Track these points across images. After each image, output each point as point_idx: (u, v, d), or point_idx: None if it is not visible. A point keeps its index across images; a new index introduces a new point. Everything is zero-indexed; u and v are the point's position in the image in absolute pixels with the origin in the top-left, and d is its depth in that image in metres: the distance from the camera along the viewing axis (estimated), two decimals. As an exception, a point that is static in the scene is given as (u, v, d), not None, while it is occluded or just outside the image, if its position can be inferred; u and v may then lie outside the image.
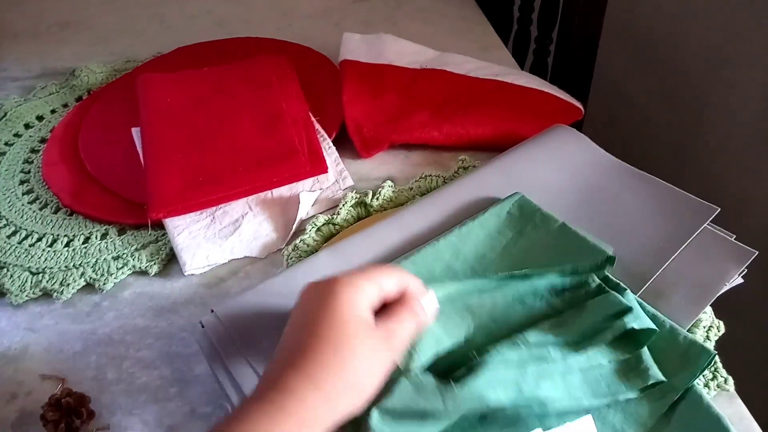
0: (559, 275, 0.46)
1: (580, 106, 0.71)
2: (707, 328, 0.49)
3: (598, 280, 0.46)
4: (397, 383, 0.38)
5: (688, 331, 0.47)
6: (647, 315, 0.44)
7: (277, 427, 0.32)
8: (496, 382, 0.40)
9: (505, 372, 0.40)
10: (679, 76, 0.94)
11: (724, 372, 0.46)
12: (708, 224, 0.51)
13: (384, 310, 0.39)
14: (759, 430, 0.44)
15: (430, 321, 0.41)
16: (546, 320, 0.44)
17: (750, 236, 0.52)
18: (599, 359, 0.42)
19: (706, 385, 0.45)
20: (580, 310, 0.44)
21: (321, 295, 0.37)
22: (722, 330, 0.49)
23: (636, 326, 0.42)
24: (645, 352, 0.43)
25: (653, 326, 0.43)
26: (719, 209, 0.51)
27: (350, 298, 0.36)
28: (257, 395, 0.34)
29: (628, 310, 0.43)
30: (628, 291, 0.45)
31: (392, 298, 0.40)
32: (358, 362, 0.34)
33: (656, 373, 0.42)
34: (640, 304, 0.45)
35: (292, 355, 0.35)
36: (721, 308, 0.49)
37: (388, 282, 0.39)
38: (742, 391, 0.46)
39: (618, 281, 0.46)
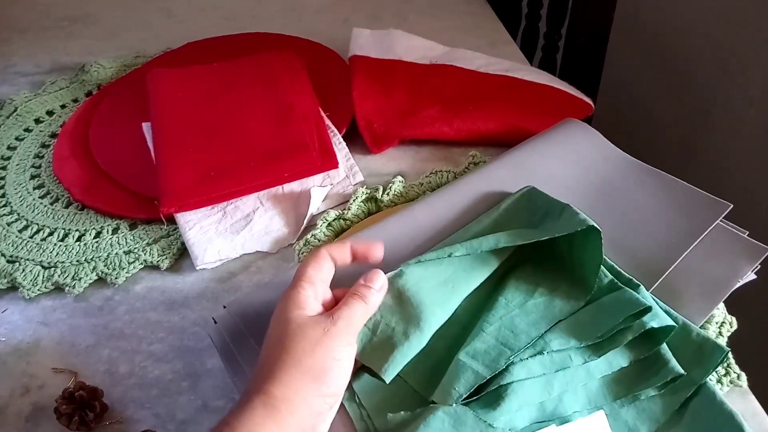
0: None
1: (591, 102, 0.70)
2: (720, 324, 0.49)
3: (610, 276, 0.46)
4: (433, 413, 0.39)
5: (700, 327, 0.47)
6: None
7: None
8: (524, 405, 0.40)
9: (531, 391, 0.41)
10: (686, 73, 0.93)
11: (737, 368, 0.46)
12: (720, 221, 0.51)
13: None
14: (772, 425, 0.44)
15: (379, 298, 0.43)
16: (564, 320, 0.44)
17: (759, 232, 0.51)
18: (620, 362, 0.43)
19: (719, 381, 0.45)
20: (597, 309, 0.44)
21: (277, 314, 0.41)
22: (735, 326, 0.49)
23: (655, 325, 0.42)
24: (664, 347, 0.43)
25: (672, 323, 0.43)
26: (732, 205, 0.51)
27: (293, 305, 0.40)
28: (243, 402, 0.37)
29: (648, 309, 0.42)
30: (642, 287, 0.45)
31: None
32: (307, 347, 0.38)
33: (676, 367, 0.42)
34: (654, 300, 0.45)
35: (267, 365, 0.39)
36: (734, 304, 0.49)
37: (321, 270, 0.43)
38: (755, 386, 0.46)
39: (630, 277, 0.46)
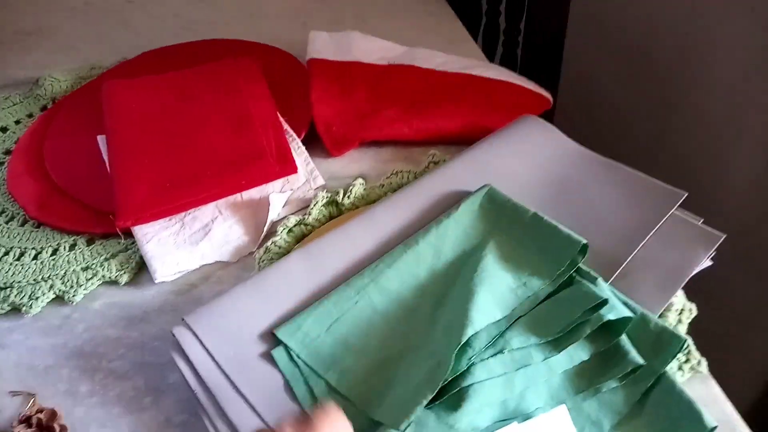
0: (540, 278, 0.46)
1: (549, 97, 0.71)
2: (679, 311, 0.49)
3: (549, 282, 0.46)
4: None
5: (660, 315, 0.47)
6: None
7: None
8: (486, 405, 0.40)
9: (492, 391, 0.41)
10: (648, 64, 0.94)
11: (697, 354, 0.47)
12: (676, 210, 0.51)
13: None
14: (732, 410, 0.44)
15: None
16: (523, 317, 0.44)
17: (723, 219, 0.52)
18: (581, 356, 0.43)
19: (680, 368, 0.46)
20: (555, 304, 0.45)
21: None
22: (695, 312, 0.49)
23: (612, 317, 0.42)
24: (623, 338, 0.43)
25: (629, 314, 0.43)
26: (686, 194, 0.51)
27: None
28: None
29: (605, 302, 0.43)
30: (600, 279, 0.45)
31: None
32: None
33: (636, 358, 0.42)
34: (612, 292, 0.45)
35: None
36: (693, 290, 0.49)
37: None
38: (714, 371, 0.46)
39: (588, 269, 0.46)
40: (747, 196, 0.82)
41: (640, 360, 0.42)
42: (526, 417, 0.41)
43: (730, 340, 0.83)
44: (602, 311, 0.42)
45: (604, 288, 0.45)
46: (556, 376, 0.42)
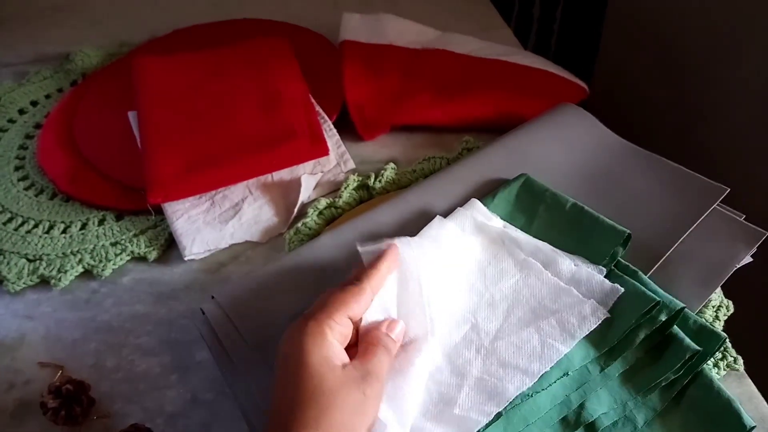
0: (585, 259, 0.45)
1: (585, 86, 0.69)
2: (716, 307, 0.48)
3: (606, 269, 0.45)
4: None
5: (697, 311, 0.46)
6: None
7: None
8: (546, 427, 0.39)
9: (549, 415, 0.40)
10: (682, 57, 0.92)
11: (733, 352, 0.46)
12: (718, 205, 0.50)
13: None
14: (769, 408, 0.44)
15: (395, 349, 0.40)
16: None
17: (755, 216, 0.51)
18: (636, 354, 0.42)
19: (716, 365, 0.45)
20: (610, 309, 0.42)
21: (293, 349, 0.36)
22: (731, 309, 0.49)
23: (664, 318, 0.41)
24: (674, 328, 0.42)
25: (680, 305, 0.42)
26: (728, 189, 0.50)
27: (317, 352, 0.35)
28: None
29: (657, 304, 0.41)
30: (640, 273, 0.44)
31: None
32: (338, 414, 0.34)
33: (691, 345, 0.41)
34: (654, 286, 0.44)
35: (282, 417, 0.34)
36: (730, 287, 0.48)
37: (357, 309, 0.39)
38: (751, 369, 0.45)
39: (627, 263, 0.45)
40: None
41: (696, 346, 0.40)
42: (592, 427, 0.40)
43: (767, 337, 0.81)
44: (654, 313, 0.41)
45: (647, 282, 0.43)
46: (614, 379, 0.41)
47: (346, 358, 0.37)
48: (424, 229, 0.46)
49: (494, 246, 0.47)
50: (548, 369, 0.40)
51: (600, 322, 0.41)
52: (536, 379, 0.39)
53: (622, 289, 0.42)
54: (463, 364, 0.41)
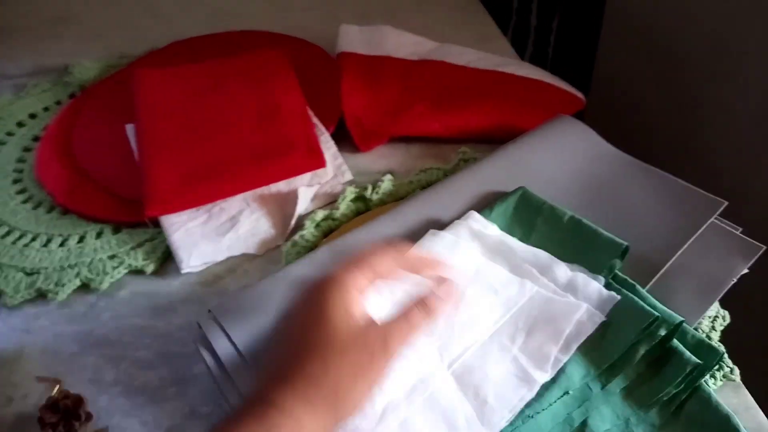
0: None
1: (582, 97, 0.70)
2: (713, 318, 0.48)
3: (604, 279, 0.45)
4: None
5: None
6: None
7: None
8: None
9: (553, 430, 0.40)
10: (679, 67, 0.92)
11: (729, 362, 0.46)
12: (715, 218, 0.50)
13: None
14: (765, 419, 0.44)
15: (452, 307, 0.39)
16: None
17: (751, 228, 0.51)
18: (637, 369, 0.42)
19: (712, 376, 0.45)
20: (608, 325, 0.42)
21: (311, 302, 0.35)
22: (728, 320, 0.48)
23: (664, 333, 0.41)
24: (674, 342, 0.42)
25: (679, 318, 0.42)
26: (726, 203, 0.50)
27: (340, 304, 0.34)
28: (248, 408, 0.33)
29: (656, 319, 0.41)
30: (638, 286, 0.44)
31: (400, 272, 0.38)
32: (348, 376, 0.33)
33: (691, 358, 0.41)
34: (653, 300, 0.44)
35: (284, 367, 0.33)
36: (726, 297, 0.48)
37: (383, 267, 0.37)
38: (747, 380, 0.45)
39: (625, 276, 0.45)
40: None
41: (696, 359, 0.40)
42: None
43: (764, 347, 0.81)
44: (653, 328, 0.41)
45: (645, 296, 0.43)
46: (615, 395, 0.41)
47: (368, 315, 0.35)
48: (418, 243, 0.46)
49: (490, 254, 0.47)
50: (548, 378, 0.40)
51: (596, 326, 0.41)
52: (537, 387, 0.39)
53: (618, 297, 0.42)
54: (462, 372, 0.40)
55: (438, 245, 0.46)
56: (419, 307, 0.36)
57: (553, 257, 0.46)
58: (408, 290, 0.40)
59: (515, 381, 0.40)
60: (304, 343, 0.33)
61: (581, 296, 0.43)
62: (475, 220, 0.49)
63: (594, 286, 0.43)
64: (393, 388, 0.38)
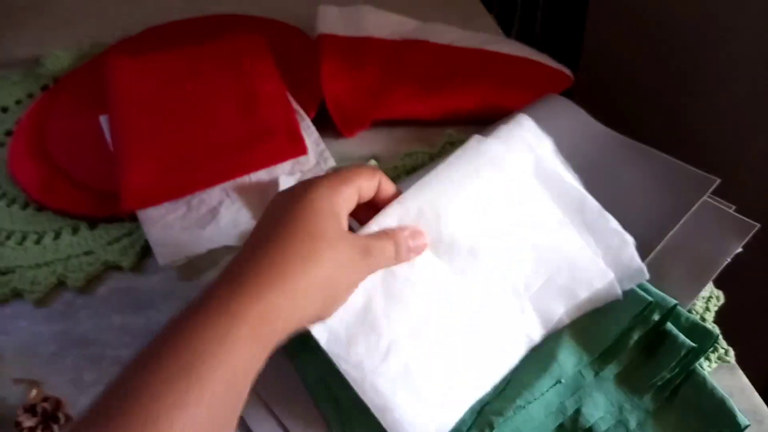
0: None
1: (570, 74, 0.68)
2: (707, 299, 0.47)
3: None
4: None
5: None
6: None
7: (236, 327, 0.31)
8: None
9: (546, 422, 0.39)
10: (668, 39, 0.91)
11: (724, 344, 0.45)
12: (708, 197, 0.49)
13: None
14: (760, 401, 0.43)
15: (408, 258, 0.39)
16: (569, 331, 0.41)
17: (745, 205, 0.50)
18: (630, 355, 0.41)
19: (707, 358, 0.44)
20: (601, 310, 0.41)
21: (295, 193, 0.36)
22: (722, 300, 0.48)
23: (657, 317, 0.40)
24: (668, 325, 0.41)
25: (672, 301, 0.41)
26: (719, 180, 0.49)
27: (327, 196, 0.35)
28: (216, 289, 0.33)
29: (650, 304, 0.40)
30: None
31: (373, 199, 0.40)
32: (335, 269, 0.34)
33: (686, 341, 0.40)
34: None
35: (258, 248, 0.33)
36: (719, 277, 0.47)
37: (368, 185, 0.38)
38: (742, 359, 0.45)
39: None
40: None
41: (691, 343, 0.39)
42: (588, 431, 0.39)
43: (759, 328, 0.81)
44: (647, 313, 0.40)
45: (642, 282, 0.42)
46: (608, 381, 0.40)
47: (346, 219, 0.36)
48: (460, 149, 0.44)
49: (539, 176, 0.45)
50: (544, 335, 0.40)
51: (609, 301, 0.41)
52: (533, 345, 0.40)
53: (648, 275, 0.41)
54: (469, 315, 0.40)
55: (483, 157, 0.43)
56: (387, 238, 0.38)
57: (600, 207, 0.44)
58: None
59: (517, 332, 0.40)
60: (282, 224, 0.34)
61: (612, 258, 0.42)
62: (529, 129, 0.46)
63: (629, 252, 0.42)
64: (398, 323, 0.38)
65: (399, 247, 0.38)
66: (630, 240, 0.43)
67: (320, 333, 0.37)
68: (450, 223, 0.41)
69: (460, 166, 0.43)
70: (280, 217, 0.35)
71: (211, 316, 0.31)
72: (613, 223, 0.43)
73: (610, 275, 0.41)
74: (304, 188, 0.36)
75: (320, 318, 0.35)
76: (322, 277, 0.34)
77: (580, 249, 0.42)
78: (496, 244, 0.42)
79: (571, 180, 0.45)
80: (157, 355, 0.30)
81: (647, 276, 0.41)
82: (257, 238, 0.35)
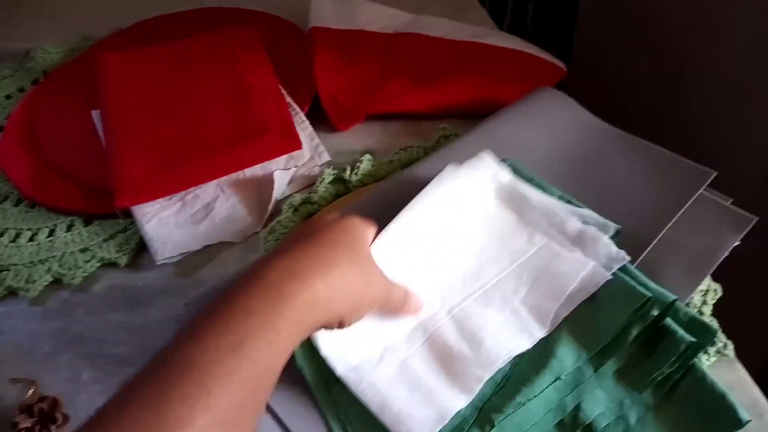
0: None
1: (563, 66, 0.68)
2: (704, 292, 0.47)
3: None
4: None
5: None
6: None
7: (286, 310, 0.32)
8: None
9: (546, 418, 0.39)
10: (660, 30, 0.91)
11: (723, 337, 0.45)
12: (704, 190, 0.49)
13: None
14: (760, 394, 0.43)
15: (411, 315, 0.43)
16: (567, 326, 0.41)
17: (740, 198, 0.50)
18: (629, 350, 0.41)
19: (706, 352, 0.44)
20: (599, 307, 0.42)
21: (333, 225, 0.39)
22: (720, 293, 0.47)
23: (656, 312, 0.40)
24: (667, 320, 0.41)
25: (672, 297, 0.41)
26: (716, 173, 0.48)
27: (361, 234, 0.39)
28: (266, 271, 0.34)
29: (648, 299, 0.40)
30: (628, 264, 0.43)
31: None
32: (363, 273, 0.37)
33: (685, 336, 0.40)
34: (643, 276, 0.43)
35: (306, 237, 0.37)
36: (717, 269, 0.47)
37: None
38: (741, 352, 0.45)
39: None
40: (763, 166, 0.80)
41: (690, 337, 0.40)
42: (590, 428, 0.39)
43: (757, 319, 0.81)
44: (646, 308, 0.40)
45: (636, 275, 0.42)
46: (608, 377, 0.40)
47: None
48: (438, 176, 0.47)
49: (502, 198, 0.47)
50: (545, 334, 0.41)
51: (601, 285, 0.41)
52: (534, 342, 0.40)
53: (628, 258, 0.42)
54: (461, 318, 0.42)
55: (454, 181, 0.46)
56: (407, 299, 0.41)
57: (567, 206, 0.46)
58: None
59: (514, 330, 0.41)
60: (337, 237, 0.37)
61: (590, 251, 0.43)
62: (489, 163, 0.48)
63: (604, 241, 0.43)
64: (393, 331, 0.41)
65: (409, 303, 0.42)
66: (601, 233, 0.44)
67: (319, 338, 0.39)
68: (432, 244, 0.44)
69: (436, 195, 0.46)
70: (327, 222, 0.39)
71: (261, 299, 0.32)
72: (583, 221, 0.45)
73: (591, 262, 0.42)
74: (341, 226, 0.39)
75: (341, 323, 0.37)
76: (356, 283, 0.36)
77: (556, 254, 0.44)
78: (478, 259, 0.45)
79: (534, 195, 0.46)
80: (210, 331, 0.31)
81: (628, 258, 0.42)
82: (302, 233, 0.38)
